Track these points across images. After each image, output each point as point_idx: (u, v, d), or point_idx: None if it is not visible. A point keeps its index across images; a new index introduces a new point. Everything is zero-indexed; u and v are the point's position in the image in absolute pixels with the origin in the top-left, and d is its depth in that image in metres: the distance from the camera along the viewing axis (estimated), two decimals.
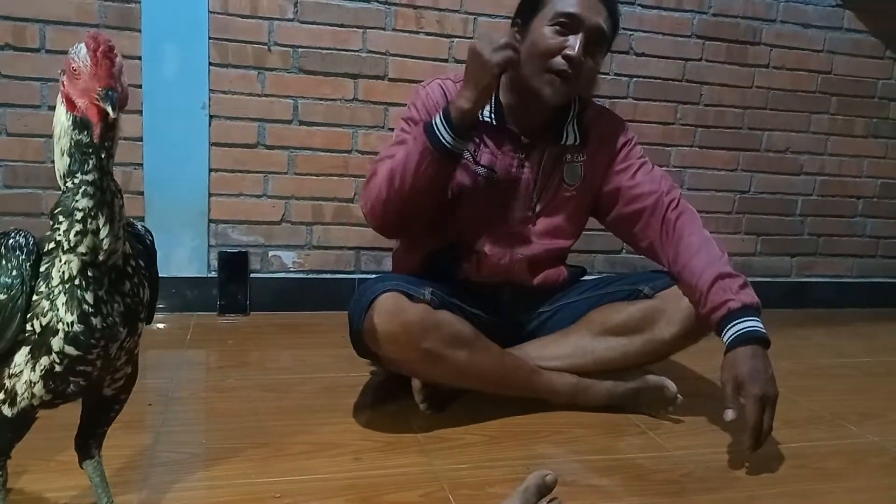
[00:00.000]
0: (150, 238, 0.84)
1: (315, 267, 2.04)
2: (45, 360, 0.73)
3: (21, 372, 0.73)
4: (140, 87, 1.80)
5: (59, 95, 0.70)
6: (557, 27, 1.26)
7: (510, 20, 1.37)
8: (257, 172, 1.95)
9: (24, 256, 0.71)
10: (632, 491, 1.12)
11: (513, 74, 1.29)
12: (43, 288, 0.72)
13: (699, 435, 1.34)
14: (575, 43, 1.24)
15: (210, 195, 1.93)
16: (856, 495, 1.16)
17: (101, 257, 0.71)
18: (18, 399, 0.74)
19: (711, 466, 1.22)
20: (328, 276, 2.04)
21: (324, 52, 1.92)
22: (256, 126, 1.92)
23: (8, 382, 0.74)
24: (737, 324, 1.21)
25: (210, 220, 1.94)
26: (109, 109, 0.66)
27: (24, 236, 0.73)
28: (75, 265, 0.71)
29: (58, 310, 0.71)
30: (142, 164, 1.86)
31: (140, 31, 1.80)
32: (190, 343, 1.74)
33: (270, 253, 2.00)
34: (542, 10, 1.28)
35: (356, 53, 1.95)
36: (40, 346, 0.72)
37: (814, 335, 2.15)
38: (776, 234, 2.40)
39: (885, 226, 2.50)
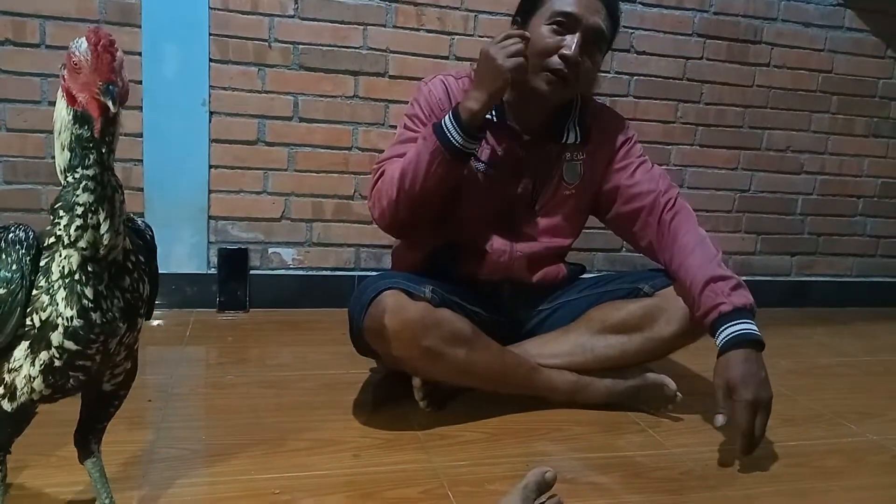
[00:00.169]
0: (151, 233, 0.84)
1: (315, 264, 2.03)
2: (44, 355, 0.73)
3: (20, 366, 0.73)
4: (140, 83, 1.79)
5: (60, 90, 0.70)
6: (555, 26, 1.25)
7: (510, 18, 1.37)
8: (257, 169, 1.94)
9: (23, 251, 0.71)
10: (631, 488, 1.12)
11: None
12: (43, 283, 0.72)
13: (698, 433, 1.34)
14: (571, 42, 1.24)
15: (210, 192, 1.92)
16: (855, 494, 1.16)
17: (101, 252, 0.71)
18: (18, 394, 0.74)
19: (711, 464, 1.22)
20: (328, 273, 2.04)
21: (324, 48, 1.92)
22: (257, 123, 1.92)
23: (7, 377, 0.74)
24: (728, 327, 1.21)
25: (210, 217, 1.94)
26: (110, 104, 0.66)
27: (24, 231, 0.73)
28: (75, 260, 0.71)
29: (57, 304, 0.71)
30: (142, 161, 1.86)
31: (140, 27, 1.79)
32: (189, 339, 1.73)
33: (270, 250, 2.00)
34: (541, 9, 1.28)
35: (357, 50, 1.94)
36: (40, 341, 0.72)
37: (814, 334, 2.15)
38: (776, 233, 2.40)
39: (886, 225, 2.50)
